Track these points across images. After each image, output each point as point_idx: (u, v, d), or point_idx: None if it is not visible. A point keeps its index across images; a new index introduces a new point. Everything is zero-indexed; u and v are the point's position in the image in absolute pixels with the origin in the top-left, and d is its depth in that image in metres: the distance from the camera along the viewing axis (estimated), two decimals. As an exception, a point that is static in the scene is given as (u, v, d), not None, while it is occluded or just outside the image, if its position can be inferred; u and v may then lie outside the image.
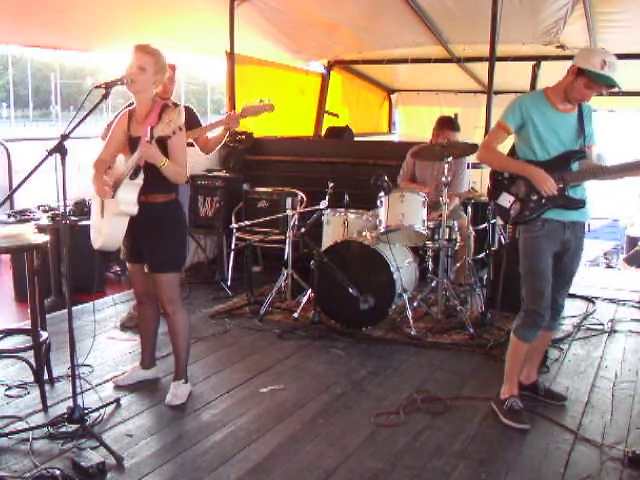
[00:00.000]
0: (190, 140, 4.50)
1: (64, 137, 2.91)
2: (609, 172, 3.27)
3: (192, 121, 4.56)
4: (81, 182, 3.46)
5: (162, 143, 3.21)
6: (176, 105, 4.60)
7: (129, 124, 3.37)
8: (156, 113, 3.28)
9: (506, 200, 3.35)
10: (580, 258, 3.44)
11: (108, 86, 3.11)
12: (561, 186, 3.22)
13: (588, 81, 3.14)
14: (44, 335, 3.55)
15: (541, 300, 3.27)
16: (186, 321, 3.57)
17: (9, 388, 3.61)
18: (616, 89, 3.19)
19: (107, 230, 3.33)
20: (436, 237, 4.75)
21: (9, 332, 3.93)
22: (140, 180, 3.24)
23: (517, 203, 3.31)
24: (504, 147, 3.42)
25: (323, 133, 8.68)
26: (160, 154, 3.18)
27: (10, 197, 4.15)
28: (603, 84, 3.15)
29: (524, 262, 3.34)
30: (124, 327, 4.68)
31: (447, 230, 4.68)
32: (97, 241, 3.44)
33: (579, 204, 3.29)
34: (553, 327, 3.55)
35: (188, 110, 4.80)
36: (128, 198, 3.25)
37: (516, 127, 3.29)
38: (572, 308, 5.15)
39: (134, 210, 3.27)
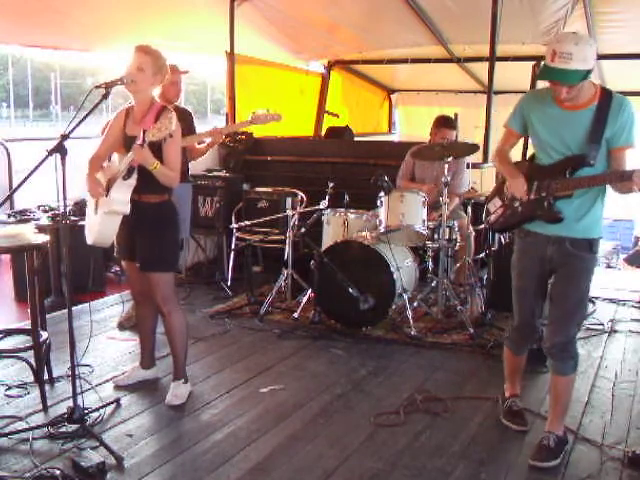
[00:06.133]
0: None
1: (64, 137, 2.91)
2: (580, 183, 2.80)
3: (187, 127, 4.51)
4: (81, 182, 3.45)
5: (157, 146, 3.20)
6: (177, 108, 4.65)
7: (126, 122, 3.38)
8: (153, 115, 3.29)
9: (493, 204, 3.27)
10: (575, 284, 2.91)
11: (108, 86, 3.12)
12: (543, 194, 2.88)
13: None
14: (44, 335, 3.55)
15: (518, 317, 3.17)
16: (183, 320, 3.57)
17: (9, 388, 3.61)
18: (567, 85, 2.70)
19: (99, 227, 3.35)
20: (436, 237, 4.75)
21: (9, 332, 3.93)
22: (133, 180, 3.25)
23: (501, 209, 3.18)
24: (517, 149, 3.30)
25: (323, 133, 8.68)
26: (151, 157, 3.17)
27: (10, 197, 4.15)
28: (549, 80, 2.73)
29: (512, 276, 3.17)
30: (122, 327, 4.69)
31: (447, 230, 4.68)
32: (90, 237, 3.46)
33: (556, 216, 2.86)
34: (562, 371, 3.00)
35: (186, 114, 4.80)
36: (121, 198, 3.26)
37: (520, 128, 3.01)
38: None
39: (126, 209, 3.28)
